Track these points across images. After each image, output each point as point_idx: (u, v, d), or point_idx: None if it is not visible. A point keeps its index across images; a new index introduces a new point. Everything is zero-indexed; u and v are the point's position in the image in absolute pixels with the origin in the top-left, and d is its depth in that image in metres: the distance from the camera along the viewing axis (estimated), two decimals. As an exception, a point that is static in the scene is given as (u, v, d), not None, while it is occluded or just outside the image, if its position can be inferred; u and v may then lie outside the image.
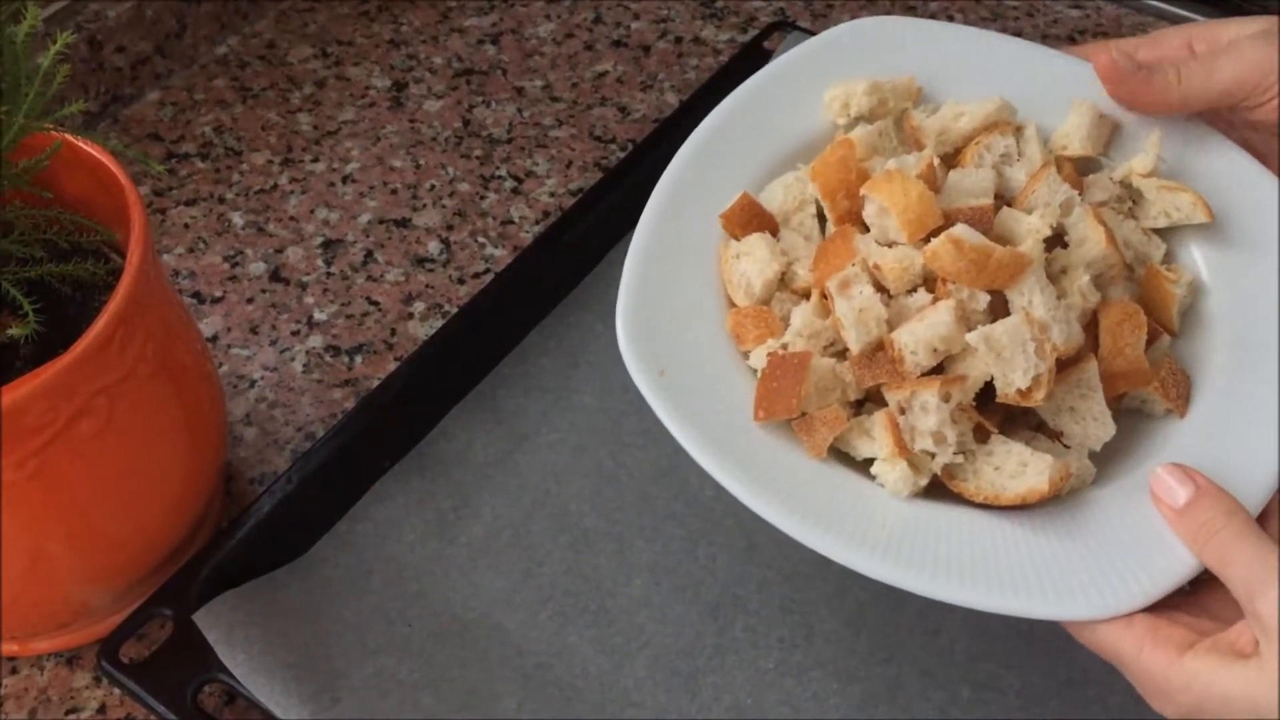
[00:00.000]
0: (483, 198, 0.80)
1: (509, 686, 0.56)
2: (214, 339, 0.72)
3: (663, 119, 0.80)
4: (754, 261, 0.54)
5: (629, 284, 0.55)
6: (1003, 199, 0.55)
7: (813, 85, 0.60)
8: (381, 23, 0.92)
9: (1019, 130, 0.57)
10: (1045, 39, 0.88)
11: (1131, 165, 0.57)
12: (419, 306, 0.73)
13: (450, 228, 0.78)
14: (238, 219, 0.79)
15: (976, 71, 0.60)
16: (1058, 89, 0.59)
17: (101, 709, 0.57)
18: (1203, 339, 0.55)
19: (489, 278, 0.74)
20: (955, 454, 0.49)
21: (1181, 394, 0.53)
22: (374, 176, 0.81)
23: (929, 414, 0.48)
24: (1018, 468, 0.49)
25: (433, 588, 0.59)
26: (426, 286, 0.74)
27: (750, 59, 0.80)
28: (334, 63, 0.89)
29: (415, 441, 0.65)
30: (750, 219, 0.56)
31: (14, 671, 0.58)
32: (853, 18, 0.90)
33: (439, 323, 0.72)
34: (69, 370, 0.47)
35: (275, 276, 0.75)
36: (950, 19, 0.90)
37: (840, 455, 0.52)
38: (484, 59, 0.89)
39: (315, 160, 0.82)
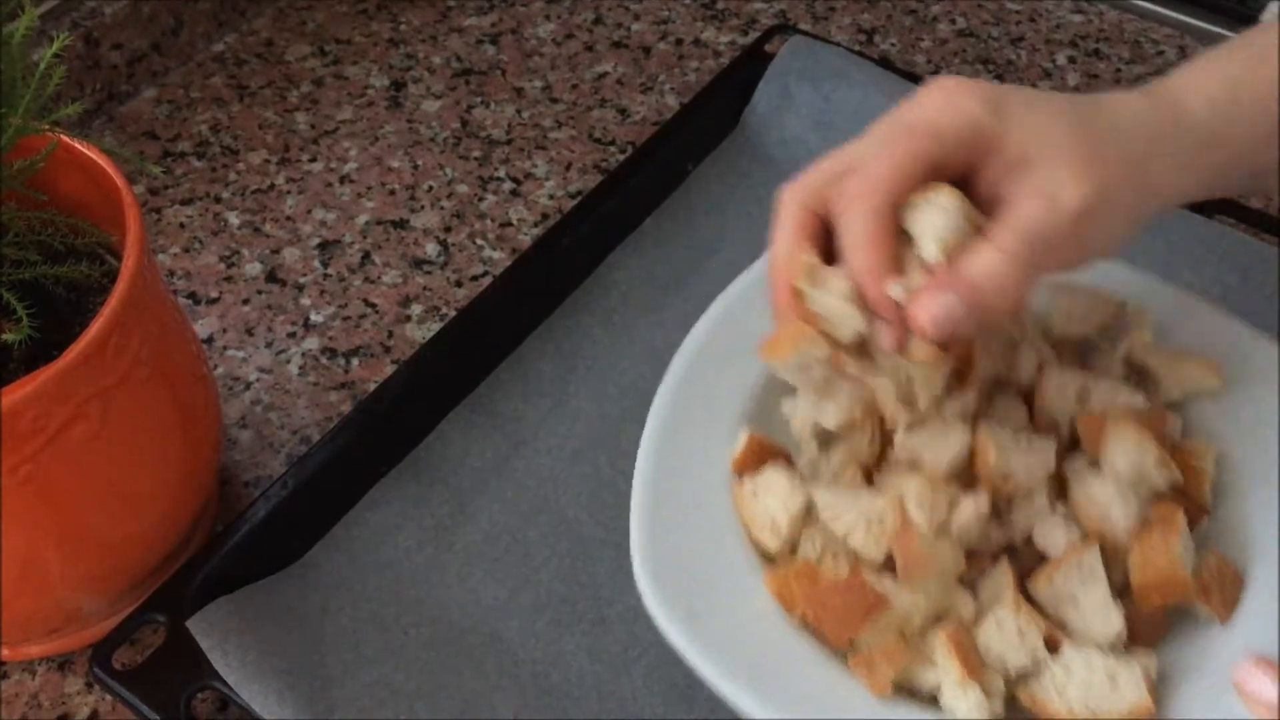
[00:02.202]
0: (481, 199, 0.79)
1: (505, 695, 0.55)
2: (209, 340, 0.71)
3: (663, 121, 0.80)
4: (775, 497, 0.52)
5: (641, 520, 0.52)
6: (1012, 384, 0.55)
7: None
8: (380, 21, 0.92)
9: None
10: (1048, 43, 0.88)
11: (1131, 341, 0.56)
12: (416, 309, 0.73)
13: (448, 229, 0.77)
14: (234, 219, 0.78)
15: None
16: None
17: (93, 715, 0.57)
18: (1234, 511, 0.53)
19: (487, 280, 0.73)
20: (1026, 665, 0.47)
21: (1229, 594, 0.49)
22: (372, 177, 0.80)
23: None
24: (1105, 680, 0.46)
25: (429, 595, 0.59)
26: (424, 289, 0.74)
27: (751, 62, 0.80)
28: (332, 61, 0.88)
29: (412, 446, 0.64)
30: (763, 456, 0.53)
31: (5, 676, 0.58)
32: (853, 21, 0.90)
33: (436, 325, 0.71)
34: (63, 375, 0.46)
35: (271, 277, 0.75)
36: (952, 22, 0.90)
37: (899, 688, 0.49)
38: (483, 59, 0.89)
39: (313, 160, 0.82)
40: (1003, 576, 0.50)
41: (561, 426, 0.65)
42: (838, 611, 0.47)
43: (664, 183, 0.76)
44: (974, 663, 0.47)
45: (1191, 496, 0.52)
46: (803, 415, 0.55)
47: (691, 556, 0.51)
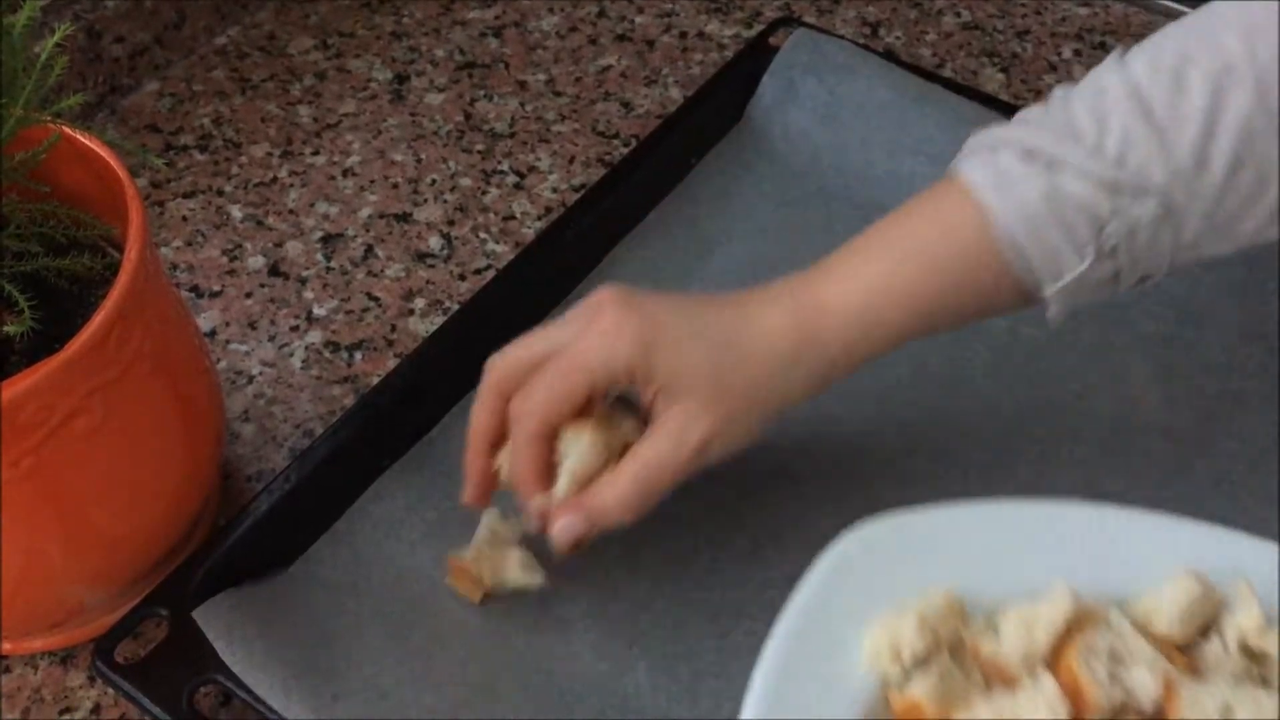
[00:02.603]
0: (484, 193, 0.79)
1: (509, 690, 0.55)
2: (212, 334, 0.71)
3: (667, 115, 0.80)
4: None
5: None
6: (1131, 710, 0.47)
7: (839, 630, 0.50)
8: (383, 14, 0.91)
9: (1104, 619, 0.49)
10: (1054, 36, 0.88)
11: (1240, 626, 0.49)
12: (420, 303, 0.73)
13: (452, 223, 0.77)
14: (236, 212, 0.78)
15: (1009, 550, 0.52)
16: (1093, 547, 0.52)
17: (96, 709, 0.57)
18: None
19: (491, 274, 0.73)
20: None
21: None
22: (374, 170, 0.80)
23: None
24: None
25: (432, 591, 0.58)
26: (427, 282, 0.74)
27: (756, 55, 0.79)
28: (334, 54, 0.88)
29: (415, 440, 0.64)
30: None
31: (7, 670, 0.58)
32: (858, 14, 0.90)
33: (440, 319, 0.71)
34: (65, 368, 0.46)
35: (274, 271, 0.74)
36: (957, 15, 0.90)
37: None
38: (486, 52, 0.88)
39: (315, 153, 0.81)
40: None
41: (564, 420, 0.65)
42: None
43: (668, 176, 0.76)
44: None
45: None
46: None
47: None
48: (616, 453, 0.54)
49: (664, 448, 0.52)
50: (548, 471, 0.54)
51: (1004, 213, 0.51)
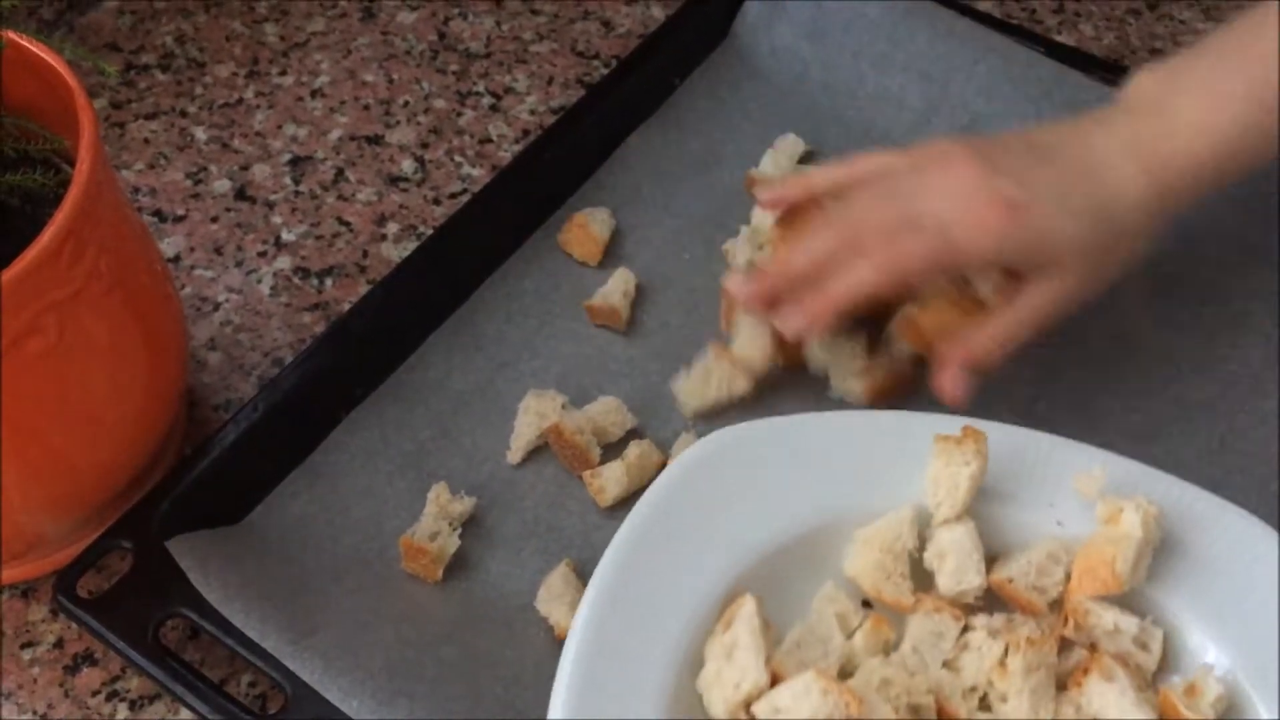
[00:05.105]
0: (459, 115, 0.76)
1: (491, 625, 0.54)
2: (176, 259, 0.68)
3: (648, 34, 0.77)
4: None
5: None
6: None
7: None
8: (352, -70, 0.88)
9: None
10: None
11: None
12: (392, 228, 0.70)
13: (425, 146, 0.74)
14: (201, 134, 0.75)
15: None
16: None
17: (59, 643, 0.55)
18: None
19: (466, 198, 0.71)
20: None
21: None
22: (345, 91, 0.77)
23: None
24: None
25: (411, 522, 0.56)
26: (400, 207, 0.71)
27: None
28: (302, -29, 0.85)
29: (388, 368, 0.62)
30: None
31: (-33, 605, 0.56)
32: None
33: (413, 244, 0.69)
34: (14, 284, 0.44)
35: (241, 195, 0.72)
36: None
37: None
38: (460, -31, 0.85)
39: (283, 73, 0.78)
40: None
41: (545, 348, 0.63)
42: None
43: (649, 97, 0.73)
44: None
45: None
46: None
47: None
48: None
49: (1044, 313, 0.54)
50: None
51: None
